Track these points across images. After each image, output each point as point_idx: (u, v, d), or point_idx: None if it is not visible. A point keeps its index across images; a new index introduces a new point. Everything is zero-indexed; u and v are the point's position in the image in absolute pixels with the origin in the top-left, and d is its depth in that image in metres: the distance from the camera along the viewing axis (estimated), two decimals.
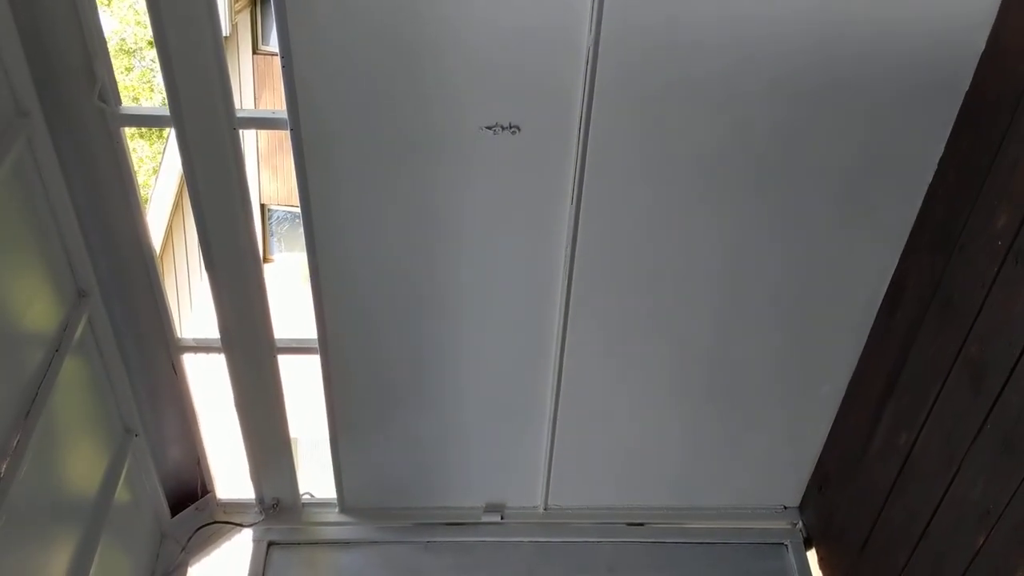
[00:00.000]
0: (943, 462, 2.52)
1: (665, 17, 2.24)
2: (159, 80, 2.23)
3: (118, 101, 2.42)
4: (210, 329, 2.89)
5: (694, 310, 2.91)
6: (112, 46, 15.30)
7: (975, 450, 2.38)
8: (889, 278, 2.81)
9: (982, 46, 2.33)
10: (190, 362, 3.07)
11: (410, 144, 2.45)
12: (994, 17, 2.28)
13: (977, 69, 2.36)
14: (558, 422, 3.17)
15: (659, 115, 2.43)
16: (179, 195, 8.45)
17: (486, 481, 3.43)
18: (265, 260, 10.18)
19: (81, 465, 2.65)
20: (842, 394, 3.15)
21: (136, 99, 15.34)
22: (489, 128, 2.43)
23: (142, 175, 15.26)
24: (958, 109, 2.45)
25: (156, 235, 8.86)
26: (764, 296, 2.87)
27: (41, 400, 2.31)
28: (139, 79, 15.49)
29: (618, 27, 2.24)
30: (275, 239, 10.61)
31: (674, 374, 3.09)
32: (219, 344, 2.91)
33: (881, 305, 2.88)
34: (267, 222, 10.36)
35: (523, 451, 3.31)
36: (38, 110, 2.28)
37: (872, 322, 2.93)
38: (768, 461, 3.41)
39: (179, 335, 2.97)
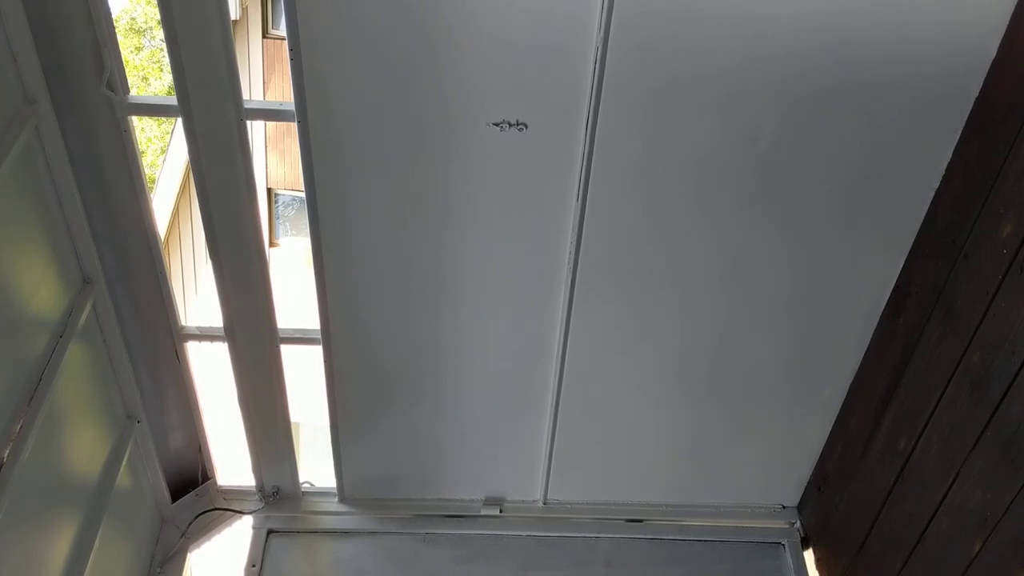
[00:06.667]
0: (942, 468, 2.53)
1: (674, 16, 2.23)
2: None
3: (126, 89, 2.42)
4: (215, 313, 2.90)
5: (698, 309, 2.91)
6: (122, 26, 15.32)
7: (974, 458, 2.38)
8: (893, 283, 2.81)
9: (993, 53, 2.32)
10: (193, 350, 3.08)
11: (417, 139, 2.45)
12: (1006, 25, 2.26)
13: (988, 76, 2.35)
14: (559, 417, 3.18)
15: (666, 115, 2.42)
16: (186, 177, 8.45)
17: (486, 474, 3.44)
18: (271, 244, 10.19)
19: (83, 450, 2.66)
20: (843, 396, 3.15)
21: (146, 79, 15.35)
22: (496, 125, 2.43)
23: (150, 155, 15.30)
24: (967, 116, 2.44)
25: (163, 217, 8.87)
26: (768, 296, 2.87)
27: (45, 386, 2.32)
28: (149, 59, 15.51)
29: (628, 26, 2.23)
30: (281, 223, 10.60)
31: (676, 372, 3.09)
32: (222, 333, 2.92)
33: (884, 310, 2.87)
34: (274, 206, 10.36)
35: (523, 445, 3.32)
36: (46, 98, 2.28)
37: (875, 326, 2.93)
38: (768, 461, 3.41)
39: (183, 323, 2.98)
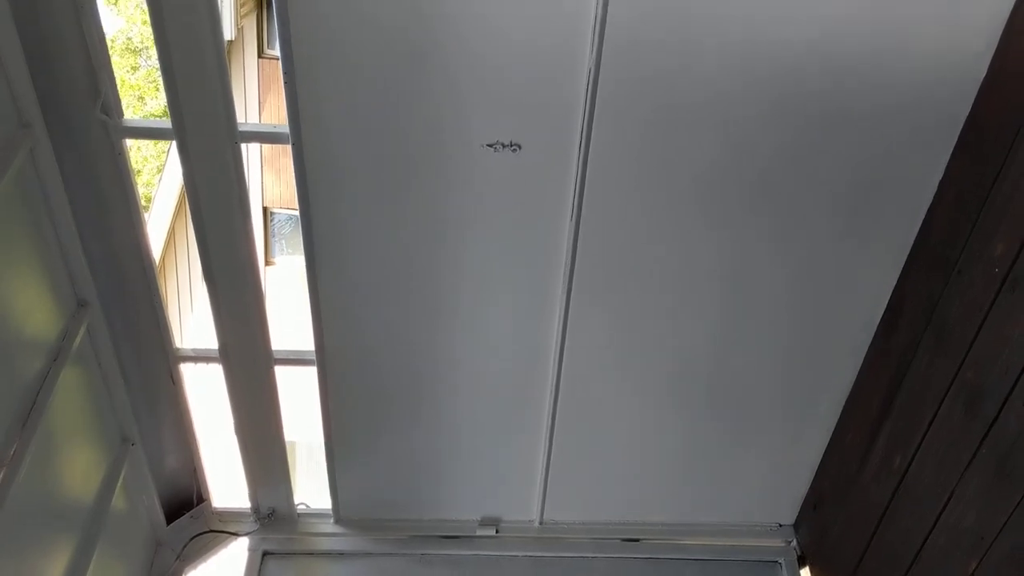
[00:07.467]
0: (937, 486, 2.52)
1: (667, 38, 2.24)
2: None
3: (120, 113, 2.43)
4: (211, 332, 2.90)
5: (692, 328, 2.91)
6: (118, 46, 15.38)
7: (969, 475, 2.38)
8: (887, 299, 2.81)
9: (983, 73, 2.33)
10: (188, 371, 3.08)
11: (411, 160, 2.46)
12: (995, 47, 2.28)
13: (977, 97, 2.36)
14: (555, 437, 3.17)
15: (659, 134, 2.43)
16: (182, 196, 8.47)
17: (482, 495, 3.44)
18: (267, 263, 10.20)
19: (78, 473, 2.66)
20: (839, 413, 3.15)
21: (141, 98, 15.40)
22: (490, 146, 2.43)
23: (146, 174, 15.31)
24: (958, 134, 2.45)
25: (159, 236, 8.87)
26: (762, 315, 2.88)
27: (39, 409, 2.32)
28: (144, 78, 15.56)
29: (619, 47, 2.24)
30: (277, 242, 10.61)
31: (672, 391, 3.09)
32: (217, 354, 2.92)
33: (879, 326, 2.88)
34: (270, 225, 10.37)
35: (519, 465, 3.31)
36: (41, 122, 2.28)
37: (869, 342, 2.93)
38: (764, 479, 3.41)
39: (177, 345, 2.98)
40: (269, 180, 9.97)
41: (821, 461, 3.31)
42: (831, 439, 3.23)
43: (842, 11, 2.21)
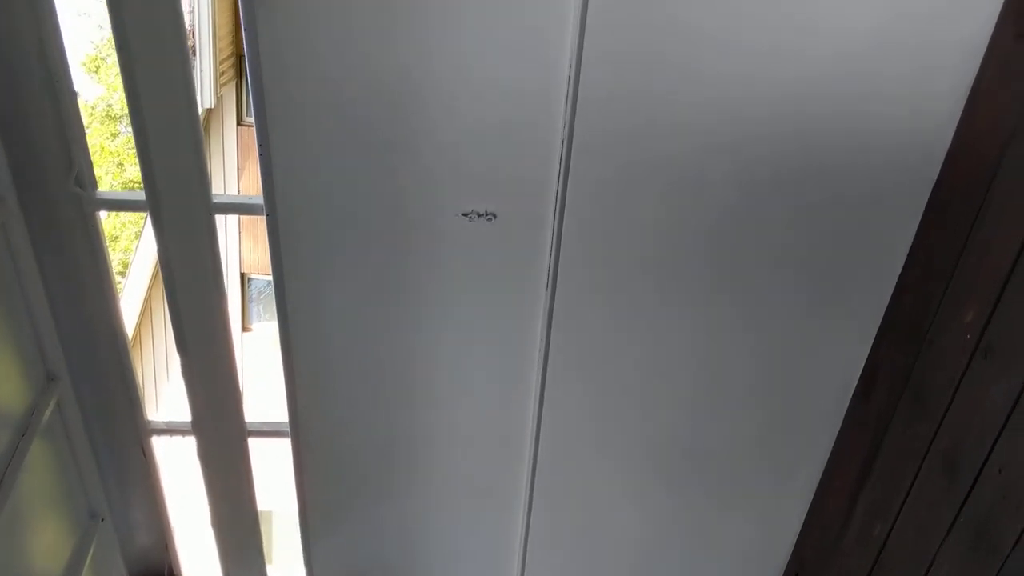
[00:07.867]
0: (917, 555, 2.50)
1: (640, 110, 2.27)
2: None
3: (94, 185, 2.43)
4: (185, 401, 2.86)
5: (668, 399, 2.90)
6: (98, 112, 15.47)
7: (948, 544, 2.37)
8: (861, 367, 2.82)
9: (949, 140, 2.37)
10: (161, 443, 3.04)
11: (386, 230, 2.46)
12: (960, 113, 2.32)
13: (944, 164, 2.40)
14: (533, 509, 3.13)
15: (634, 205, 2.45)
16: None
17: (460, 567, 3.37)
18: (244, 329, 10.13)
19: (45, 550, 2.59)
20: (817, 482, 3.13)
21: (121, 164, 15.45)
22: (465, 215, 2.44)
23: (124, 239, 15.27)
24: (926, 201, 2.48)
25: (136, 302, 8.81)
26: (737, 385, 2.87)
27: (7, 484, 2.27)
28: (124, 145, 15.63)
29: (592, 120, 2.27)
30: (255, 307, 10.57)
31: (649, 462, 3.06)
32: (189, 427, 2.88)
33: (854, 394, 2.88)
34: (247, 291, 10.34)
35: (497, 538, 3.26)
36: (13, 194, 2.28)
37: (845, 410, 2.93)
38: (744, 548, 3.37)
39: (150, 416, 2.94)
40: (247, 246, 9.97)
41: (801, 529, 3.28)
42: (811, 507, 3.20)
43: (810, 74, 2.25)
